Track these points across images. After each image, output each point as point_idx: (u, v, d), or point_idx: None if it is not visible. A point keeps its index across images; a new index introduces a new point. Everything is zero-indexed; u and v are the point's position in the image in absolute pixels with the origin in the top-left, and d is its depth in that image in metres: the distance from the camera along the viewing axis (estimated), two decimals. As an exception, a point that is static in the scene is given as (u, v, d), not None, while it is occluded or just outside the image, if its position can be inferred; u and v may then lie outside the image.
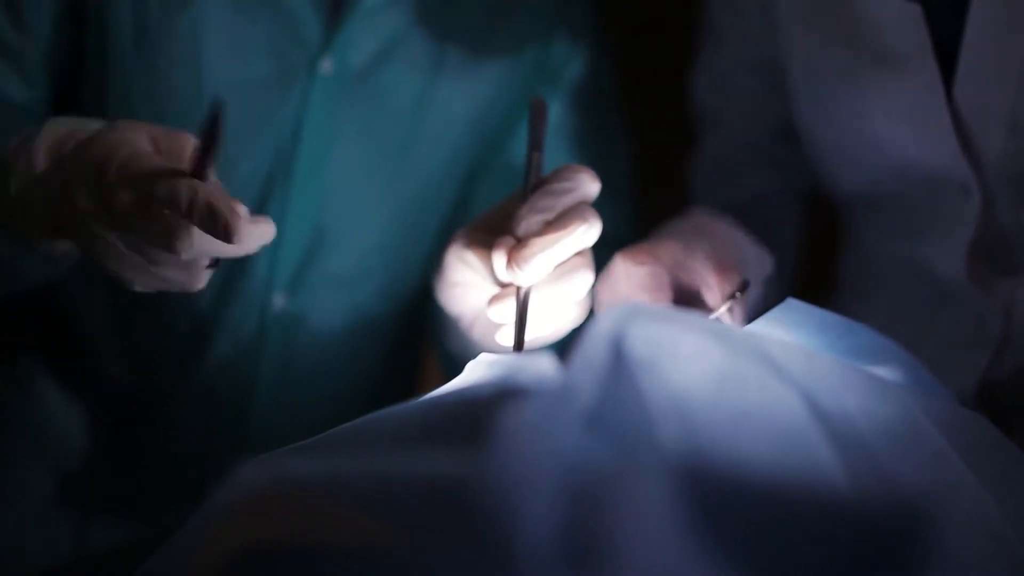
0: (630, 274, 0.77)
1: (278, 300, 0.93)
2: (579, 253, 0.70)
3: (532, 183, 0.72)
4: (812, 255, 1.07)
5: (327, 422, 0.68)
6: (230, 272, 0.91)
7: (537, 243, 0.69)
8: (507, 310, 0.70)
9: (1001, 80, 0.81)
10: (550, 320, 0.72)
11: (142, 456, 0.97)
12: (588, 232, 0.69)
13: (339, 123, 0.90)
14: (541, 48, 0.97)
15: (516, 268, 0.69)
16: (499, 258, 0.70)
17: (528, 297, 0.70)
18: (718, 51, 1.03)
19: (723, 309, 0.77)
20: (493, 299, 0.71)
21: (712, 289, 0.77)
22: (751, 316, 0.76)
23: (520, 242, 0.69)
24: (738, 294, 0.77)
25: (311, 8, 0.88)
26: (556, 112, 0.96)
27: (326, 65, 0.88)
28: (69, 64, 0.87)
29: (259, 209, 0.89)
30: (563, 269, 0.70)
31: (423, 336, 1.06)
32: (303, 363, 0.96)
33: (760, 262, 0.84)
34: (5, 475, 0.97)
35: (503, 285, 0.72)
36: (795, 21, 0.91)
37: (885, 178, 0.91)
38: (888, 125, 0.87)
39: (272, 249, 0.85)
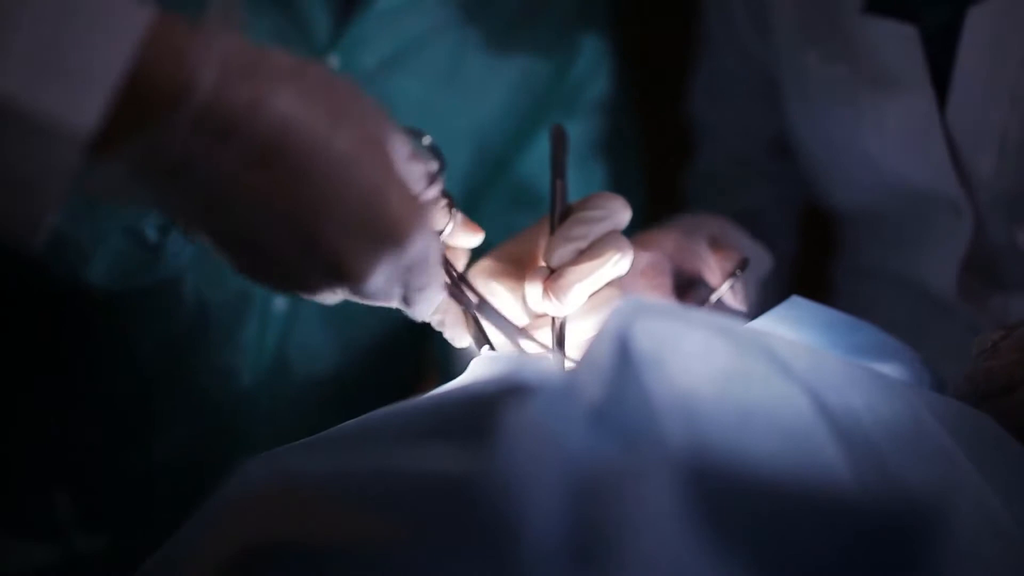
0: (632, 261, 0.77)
1: (279, 304, 0.92)
2: (610, 283, 0.69)
3: (559, 212, 0.71)
4: (806, 264, 1.07)
5: (321, 425, 0.68)
6: (234, 276, 0.90)
7: (574, 272, 0.67)
8: (542, 340, 0.69)
9: (993, 103, 0.81)
10: (579, 350, 0.71)
11: (137, 459, 0.96)
12: (622, 261, 0.68)
13: None
14: (559, 67, 0.97)
15: (553, 297, 0.68)
16: (533, 288, 0.69)
17: (564, 327, 0.69)
18: (713, 66, 1.04)
19: (724, 287, 0.77)
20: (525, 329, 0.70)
21: (712, 268, 0.77)
22: (752, 309, 0.76)
23: (554, 272, 0.68)
24: (738, 272, 0.77)
25: (321, 4, 0.87)
26: (571, 134, 0.95)
27: (332, 62, 0.88)
28: None
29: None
30: (596, 300, 0.69)
31: (421, 345, 1.06)
32: (300, 366, 0.96)
33: (759, 260, 0.84)
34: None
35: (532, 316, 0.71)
36: (790, 40, 0.91)
37: (878, 195, 0.91)
38: (882, 144, 0.87)
39: None
